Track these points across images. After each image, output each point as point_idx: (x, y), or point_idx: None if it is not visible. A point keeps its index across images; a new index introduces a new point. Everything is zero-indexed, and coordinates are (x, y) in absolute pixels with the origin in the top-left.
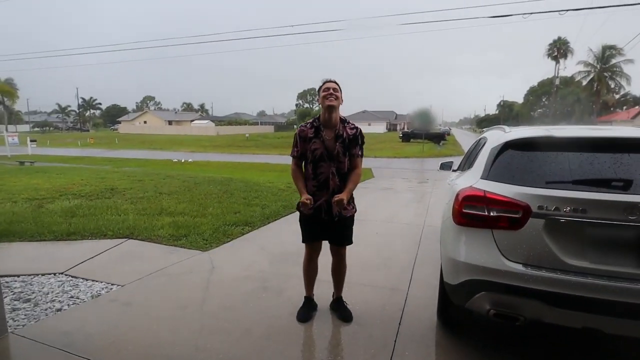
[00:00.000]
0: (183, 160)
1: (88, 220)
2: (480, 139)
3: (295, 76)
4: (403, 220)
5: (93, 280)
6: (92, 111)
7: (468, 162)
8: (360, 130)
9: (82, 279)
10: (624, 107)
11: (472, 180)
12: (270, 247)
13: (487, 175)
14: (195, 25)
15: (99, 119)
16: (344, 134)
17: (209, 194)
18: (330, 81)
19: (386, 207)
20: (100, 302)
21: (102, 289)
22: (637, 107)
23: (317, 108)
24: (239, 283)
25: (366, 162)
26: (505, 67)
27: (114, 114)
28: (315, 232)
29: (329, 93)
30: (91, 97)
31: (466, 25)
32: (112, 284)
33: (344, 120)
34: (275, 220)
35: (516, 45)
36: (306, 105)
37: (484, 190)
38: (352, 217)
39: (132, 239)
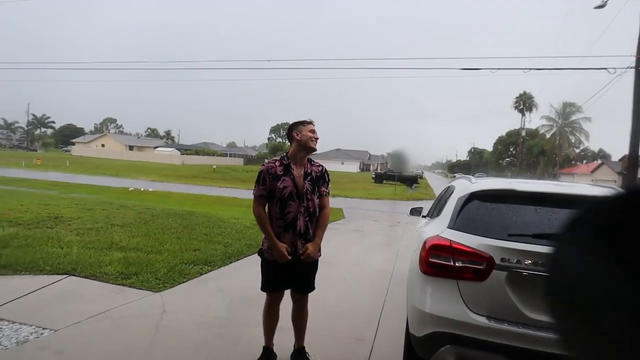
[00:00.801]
0: (142, 190)
1: (23, 252)
2: (449, 187)
3: (268, 109)
4: (372, 265)
5: (21, 324)
6: (43, 129)
7: (437, 209)
8: (326, 169)
9: (8, 321)
10: (584, 161)
11: (439, 228)
12: (230, 290)
13: (454, 224)
14: (169, 48)
15: (50, 138)
16: (312, 172)
17: (167, 228)
18: (313, 123)
19: (355, 250)
20: (27, 349)
21: (31, 333)
22: (595, 161)
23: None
24: (193, 329)
25: (338, 202)
26: (476, 115)
27: (69, 135)
28: (279, 280)
29: (315, 136)
30: (44, 115)
31: (440, 75)
32: (43, 328)
33: (311, 160)
34: (238, 259)
35: (487, 96)
36: (279, 139)
37: (450, 240)
38: (316, 261)
39: (74, 275)
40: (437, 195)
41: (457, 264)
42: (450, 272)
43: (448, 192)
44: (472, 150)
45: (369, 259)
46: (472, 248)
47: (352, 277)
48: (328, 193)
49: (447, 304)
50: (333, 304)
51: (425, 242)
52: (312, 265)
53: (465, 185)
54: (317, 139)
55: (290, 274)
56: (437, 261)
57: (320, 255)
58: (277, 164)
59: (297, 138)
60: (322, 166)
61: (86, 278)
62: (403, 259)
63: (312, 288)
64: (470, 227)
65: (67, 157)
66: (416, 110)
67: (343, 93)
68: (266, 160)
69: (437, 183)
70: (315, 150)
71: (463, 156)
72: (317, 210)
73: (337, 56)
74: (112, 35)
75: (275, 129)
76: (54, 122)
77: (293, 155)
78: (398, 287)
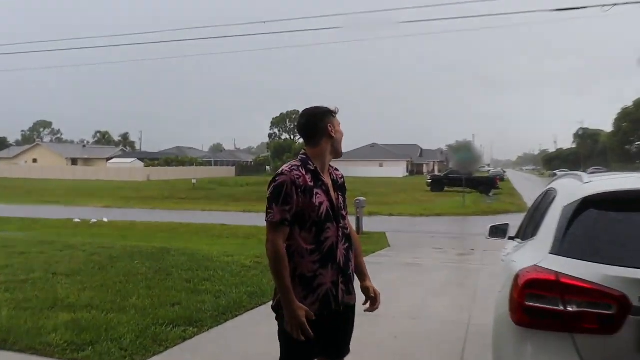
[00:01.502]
0: (93, 221)
1: None
2: (547, 191)
3: (266, 96)
4: (436, 316)
5: None
6: None
7: (531, 226)
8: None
9: None
10: None
11: (537, 255)
12: None
13: (559, 248)
14: (119, 19)
15: None
16: (337, 179)
17: (131, 274)
18: None
19: (410, 294)
20: None
21: None
22: None
23: (301, 140)
24: None
25: (379, 223)
26: (580, 81)
27: None
28: (310, 347)
29: (342, 133)
30: None
31: (521, 22)
32: None
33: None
34: (238, 315)
35: (594, 51)
36: (284, 136)
37: (556, 272)
38: (354, 306)
39: (3, 350)
40: (530, 206)
41: (570, 309)
42: (559, 321)
43: (547, 199)
44: (581, 132)
45: (431, 306)
46: (593, 283)
47: (406, 335)
48: None
49: None
50: None
51: (517, 278)
52: (351, 315)
53: (574, 187)
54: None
55: (322, 332)
56: (537, 305)
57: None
58: (303, 170)
59: (332, 134)
60: (340, 171)
61: (21, 352)
62: (484, 305)
63: (349, 349)
64: (585, 250)
65: None
66: (487, 80)
67: (372, 63)
68: (285, 167)
69: (527, 186)
70: (342, 154)
71: (566, 143)
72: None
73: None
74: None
75: (278, 121)
76: None
77: (319, 158)
78: (478, 348)
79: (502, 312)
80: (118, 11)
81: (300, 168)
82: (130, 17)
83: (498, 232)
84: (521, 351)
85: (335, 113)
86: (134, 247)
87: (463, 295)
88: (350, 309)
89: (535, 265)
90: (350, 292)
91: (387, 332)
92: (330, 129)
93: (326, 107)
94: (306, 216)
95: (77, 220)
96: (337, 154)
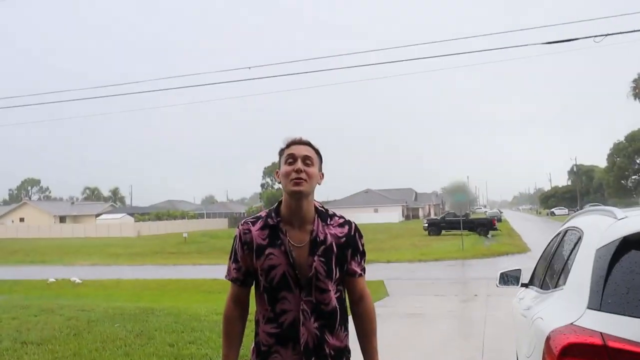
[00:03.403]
0: (75, 281)
1: None
2: (566, 232)
3: (259, 145)
4: None
5: None
6: None
7: (552, 273)
8: (356, 228)
9: None
10: None
11: (572, 311)
12: None
13: (599, 301)
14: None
15: None
16: (327, 237)
17: (109, 339)
18: (300, 142)
19: (412, 348)
20: None
21: None
22: None
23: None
24: None
25: (377, 271)
26: (572, 116)
27: None
28: None
29: (297, 168)
30: None
31: (512, 57)
32: None
33: (325, 214)
34: None
35: (585, 83)
36: (277, 185)
37: (602, 334)
38: None
39: None
40: (546, 247)
41: None
42: None
43: (569, 240)
44: (575, 169)
45: None
46: None
47: None
48: (364, 270)
49: None
50: None
51: (549, 341)
52: None
53: (606, 224)
54: (299, 171)
55: None
56: None
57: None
58: (259, 224)
59: (278, 179)
60: (350, 223)
61: None
62: (493, 357)
63: None
64: (632, 303)
65: None
66: (479, 121)
67: (368, 110)
68: (243, 219)
69: (526, 226)
70: (298, 193)
71: (561, 180)
72: (338, 306)
73: (349, 49)
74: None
75: (271, 170)
76: None
77: (285, 208)
78: None
79: None
80: (100, 60)
81: (256, 222)
82: (116, 66)
83: (509, 279)
84: None
85: (288, 144)
86: (117, 308)
87: (469, 348)
88: None
89: (572, 324)
90: None
91: None
92: (276, 172)
93: (285, 142)
94: (258, 278)
95: (51, 280)
96: (290, 195)
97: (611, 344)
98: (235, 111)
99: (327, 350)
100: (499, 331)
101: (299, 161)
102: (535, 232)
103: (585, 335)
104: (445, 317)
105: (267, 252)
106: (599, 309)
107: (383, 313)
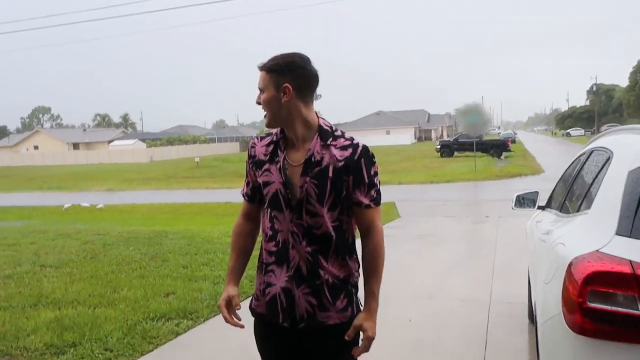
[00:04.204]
0: (98, 205)
1: None
2: (591, 153)
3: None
4: (454, 294)
5: None
6: None
7: (572, 194)
8: (363, 152)
9: None
10: None
11: (598, 237)
12: None
13: (630, 227)
14: None
15: None
16: (324, 158)
17: (124, 262)
18: (260, 71)
19: (423, 269)
20: None
21: None
22: None
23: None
24: None
25: (388, 193)
26: (590, 34)
27: None
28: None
29: (257, 100)
30: None
31: None
32: None
33: (328, 133)
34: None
35: (604, 2)
36: None
37: (631, 262)
38: (343, 324)
39: None
40: (567, 169)
41: None
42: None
43: (595, 161)
44: (594, 89)
45: (447, 283)
46: None
47: (421, 317)
48: (375, 201)
49: None
50: None
51: (571, 267)
52: (326, 339)
53: (637, 144)
54: (260, 104)
55: (282, 353)
56: (605, 308)
57: (354, 312)
58: (267, 140)
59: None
60: (357, 145)
61: None
62: (504, 279)
63: None
64: None
65: None
66: (494, 41)
67: (379, 26)
68: (256, 135)
69: (540, 147)
70: (268, 126)
71: (580, 100)
72: (335, 233)
73: None
74: None
75: None
76: None
77: (288, 125)
78: (502, 330)
79: (553, 313)
80: None
81: (265, 137)
82: None
83: (526, 201)
84: None
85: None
86: (131, 232)
87: (481, 268)
88: (324, 331)
89: (597, 251)
90: (325, 307)
91: (401, 314)
92: None
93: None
94: (262, 194)
95: (66, 205)
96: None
97: None
98: (245, 33)
99: (325, 277)
100: (510, 252)
101: (258, 95)
102: (550, 154)
103: (613, 263)
104: (455, 238)
105: (265, 167)
106: (629, 235)
107: (394, 234)
